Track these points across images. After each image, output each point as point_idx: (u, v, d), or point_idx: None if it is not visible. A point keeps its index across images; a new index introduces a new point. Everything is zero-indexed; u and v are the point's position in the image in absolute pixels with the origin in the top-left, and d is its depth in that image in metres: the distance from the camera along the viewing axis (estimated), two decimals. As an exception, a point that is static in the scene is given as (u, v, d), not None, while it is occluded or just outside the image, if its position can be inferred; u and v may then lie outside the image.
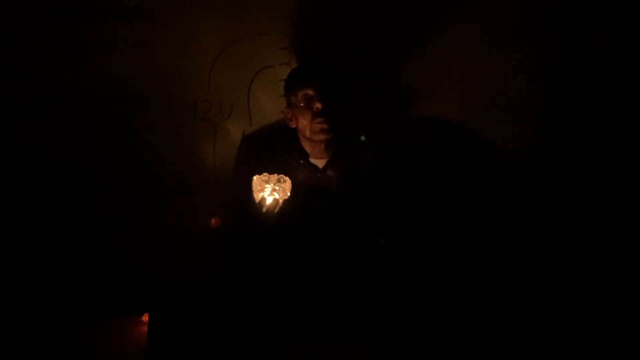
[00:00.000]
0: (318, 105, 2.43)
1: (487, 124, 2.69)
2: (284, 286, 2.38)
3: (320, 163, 2.54)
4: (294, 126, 2.52)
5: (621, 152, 2.66)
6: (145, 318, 2.34)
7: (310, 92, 2.44)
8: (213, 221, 2.66)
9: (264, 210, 2.35)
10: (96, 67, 2.66)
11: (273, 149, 2.58)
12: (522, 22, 2.63)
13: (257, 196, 2.38)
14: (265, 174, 2.39)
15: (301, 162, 2.53)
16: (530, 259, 2.65)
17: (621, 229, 2.63)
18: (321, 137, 2.47)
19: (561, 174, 2.68)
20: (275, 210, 2.35)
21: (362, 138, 2.57)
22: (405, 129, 2.68)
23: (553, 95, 2.65)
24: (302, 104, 2.45)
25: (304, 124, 2.47)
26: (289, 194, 2.38)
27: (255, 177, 2.39)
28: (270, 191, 2.36)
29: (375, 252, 2.51)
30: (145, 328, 2.14)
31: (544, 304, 2.48)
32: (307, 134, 2.48)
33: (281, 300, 2.26)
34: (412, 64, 2.66)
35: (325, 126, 2.45)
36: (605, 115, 2.67)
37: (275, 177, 2.38)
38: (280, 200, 2.36)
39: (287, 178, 2.38)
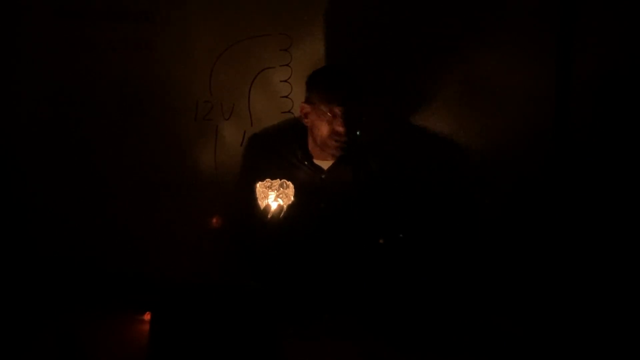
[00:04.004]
0: (341, 127, 2.41)
1: (486, 126, 2.70)
2: (285, 286, 2.38)
3: (324, 165, 2.54)
4: (308, 124, 2.49)
5: (618, 153, 2.67)
6: (147, 317, 2.34)
7: (338, 112, 2.41)
8: (214, 221, 2.66)
9: (269, 216, 2.35)
10: (97, 68, 2.67)
11: (275, 149, 2.57)
12: (520, 22, 2.65)
13: (262, 203, 2.37)
14: (267, 179, 2.38)
15: (305, 162, 2.53)
16: (530, 260, 2.66)
17: (620, 230, 2.64)
18: (334, 153, 2.47)
19: (559, 175, 2.69)
20: (280, 216, 2.35)
21: (357, 133, 2.57)
22: (406, 131, 2.69)
23: (550, 98, 2.66)
24: (325, 118, 2.42)
25: (320, 134, 2.45)
26: (292, 198, 2.37)
27: (258, 185, 2.38)
28: (274, 197, 2.36)
29: (375, 252, 2.51)
30: (147, 327, 2.14)
31: (543, 305, 2.49)
32: (319, 143, 2.47)
33: (282, 299, 2.26)
34: (413, 67, 2.67)
35: (341, 145, 2.44)
36: (603, 117, 2.68)
37: (277, 182, 2.37)
38: (285, 206, 2.36)
39: (289, 183, 2.37)
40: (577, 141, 2.68)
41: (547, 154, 2.68)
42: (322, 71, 2.54)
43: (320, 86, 2.46)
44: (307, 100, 2.49)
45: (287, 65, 2.67)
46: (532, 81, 2.67)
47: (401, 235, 2.53)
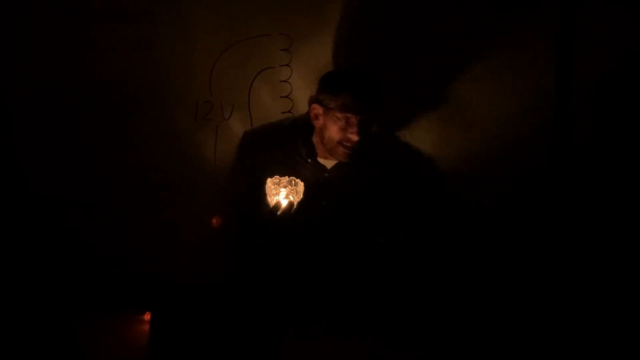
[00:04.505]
0: (355, 135, 2.40)
1: (486, 126, 2.70)
2: (286, 285, 2.38)
3: (328, 164, 2.54)
4: (318, 125, 2.49)
5: (619, 154, 2.67)
6: (147, 317, 2.34)
7: (354, 120, 2.40)
8: (214, 221, 2.66)
9: (279, 213, 2.35)
10: (98, 68, 2.66)
11: (277, 147, 2.57)
12: (519, 22, 2.65)
13: (272, 200, 2.37)
14: (276, 176, 2.38)
15: (309, 160, 2.53)
16: (530, 260, 2.66)
17: (621, 230, 2.64)
18: (342, 159, 2.48)
19: (560, 176, 2.69)
20: (290, 213, 2.35)
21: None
22: (407, 131, 2.70)
23: (550, 98, 2.67)
24: (339, 124, 2.42)
25: (331, 138, 2.45)
26: (302, 196, 2.37)
27: (268, 181, 2.38)
28: (285, 195, 2.36)
29: (374, 252, 2.51)
30: (147, 327, 2.14)
31: (543, 305, 2.49)
32: (328, 146, 2.48)
33: (282, 299, 2.27)
34: (414, 67, 2.67)
35: (351, 153, 2.45)
36: (603, 117, 2.68)
37: (285, 179, 2.38)
38: (295, 203, 2.36)
39: (299, 180, 2.37)
40: (577, 141, 2.68)
41: (547, 154, 2.68)
42: (339, 76, 2.52)
43: (336, 92, 2.43)
44: (320, 102, 2.47)
45: (287, 65, 2.67)
46: (532, 81, 2.67)
47: (401, 235, 2.53)
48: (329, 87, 2.47)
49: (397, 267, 2.50)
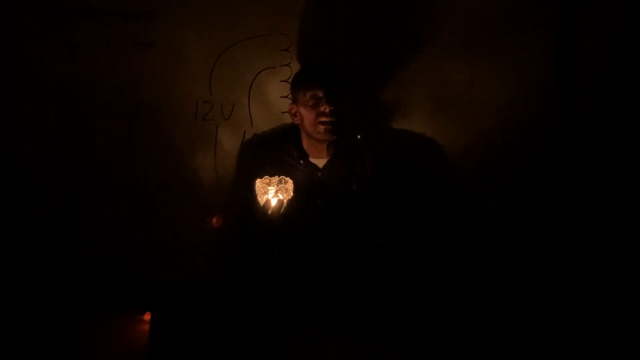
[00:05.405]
0: (325, 107, 2.46)
1: (486, 126, 2.70)
2: (285, 286, 2.39)
3: (320, 163, 2.57)
4: (297, 122, 2.54)
5: (619, 153, 2.67)
6: (147, 317, 2.34)
7: (320, 94, 2.47)
8: (214, 221, 2.67)
9: (270, 212, 2.37)
10: (98, 68, 2.66)
11: (273, 150, 2.60)
12: (520, 22, 2.65)
13: (262, 199, 2.40)
14: (266, 177, 2.42)
15: (302, 162, 2.56)
16: (530, 260, 2.66)
17: (621, 230, 2.64)
18: (325, 137, 2.50)
19: (560, 175, 2.69)
20: (281, 211, 2.37)
21: (359, 137, 2.59)
22: (404, 129, 2.70)
23: (551, 98, 2.67)
24: (310, 104, 2.48)
25: (309, 123, 2.50)
26: (292, 193, 2.42)
27: (257, 181, 2.42)
28: (274, 193, 2.39)
29: (374, 252, 2.52)
30: (147, 327, 2.14)
31: (543, 305, 2.49)
32: (311, 132, 2.51)
33: (281, 299, 2.27)
34: (412, 66, 2.67)
35: (330, 127, 2.47)
36: (603, 117, 2.68)
37: (276, 179, 2.42)
38: (285, 201, 2.39)
39: (288, 179, 2.42)
40: (577, 141, 2.68)
41: (547, 154, 2.69)
42: (300, 70, 2.62)
43: (300, 80, 2.55)
44: (293, 102, 2.55)
45: (287, 65, 2.67)
46: (532, 81, 2.67)
47: (401, 236, 2.53)
48: (294, 83, 2.58)
49: (397, 267, 2.50)
